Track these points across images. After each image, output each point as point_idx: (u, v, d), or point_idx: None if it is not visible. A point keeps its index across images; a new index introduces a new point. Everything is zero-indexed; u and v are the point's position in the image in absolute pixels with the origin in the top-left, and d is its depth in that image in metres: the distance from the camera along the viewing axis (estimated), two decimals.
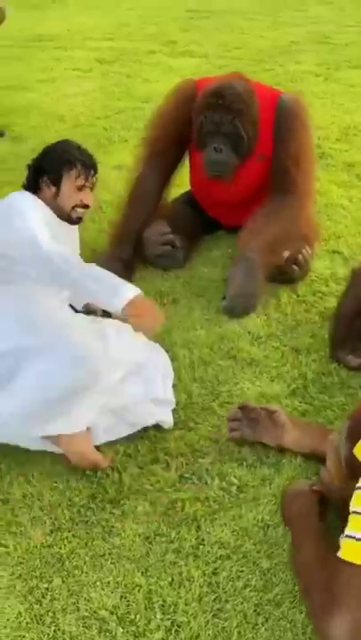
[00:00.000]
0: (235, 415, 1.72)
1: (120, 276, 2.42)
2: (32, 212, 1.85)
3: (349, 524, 1.19)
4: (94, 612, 1.36)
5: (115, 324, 1.87)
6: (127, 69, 5.20)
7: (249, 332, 2.19)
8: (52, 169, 1.93)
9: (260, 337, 2.17)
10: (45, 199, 1.93)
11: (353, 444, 1.25)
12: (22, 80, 4.94)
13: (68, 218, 1.95)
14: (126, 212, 2.53)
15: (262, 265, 2.31)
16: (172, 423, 1.80)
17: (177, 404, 1.89)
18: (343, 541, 1.19)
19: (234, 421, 1.72)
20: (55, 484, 1.65)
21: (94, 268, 1.77)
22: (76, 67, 5.32)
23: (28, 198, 1.90)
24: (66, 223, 1.97)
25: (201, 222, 2.70)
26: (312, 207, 2.62)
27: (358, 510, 1.18)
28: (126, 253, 2.48)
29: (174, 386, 1.95)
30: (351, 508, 1.20)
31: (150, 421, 1.78)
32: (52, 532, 1.54)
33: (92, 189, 1.99)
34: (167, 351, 2.10)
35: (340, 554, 1.18)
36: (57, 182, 1.93)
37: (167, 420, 1.80)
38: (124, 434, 1.76)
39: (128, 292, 1.71)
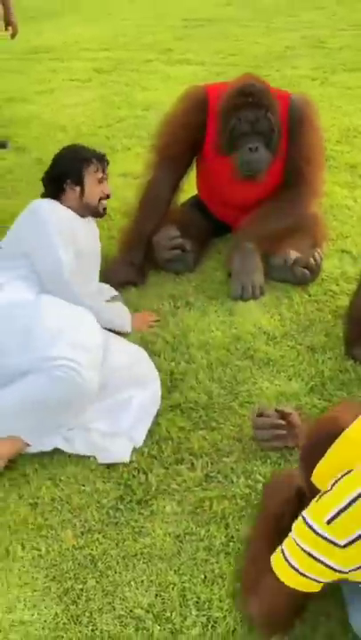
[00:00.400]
0: (263, 424, 1.72)
1: (133, 280, 2.47)
2: (54, 224, 1.94)
3: (286, 540, 1.21)
4: (130, 610, 1.38)
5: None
6: (125, 78, 5.25)
7: (264, 333, 2.21)
8: (72, 170, 2.07)
9: (275, 337, 2.19)
10: (71, 201, 2.04)
11: (308, 472, 1.24)
12: (21, 92, 4.98)
13: (95, 212, 2.12)
14: (137, 217, 2.55)
15: (258, 251, 2.41)
16: (127, 459, 1.72)
17: (197, 404, 1.92)
18: (277, 549, 1.22)
19: (263, 430, 1.72)
20: (83, 487, 1.67)
21: (100, 304, 2.05)
22: (75, 77, 5.37)
23: (49, 205, 1.98)
24: (87, 219, 2.12)
25: (209, 226, 2.73)
26: (318, 206, 2.66)
27: (294, 536, 1.18)
28: (138, 258, 2.51)
29: (193, 387, 1.98)
30: (292, 530, 1.20)
31: (88, 453, 1.74)
32: (82, 533, 1.56)
33: (107, 180, 2.19)
34: (184, 354, 2.13)
35: (272, 558, 1.23)
36: (80, 181, 2.07)
37: (117, 456, 1.72)
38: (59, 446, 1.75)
39: (127, 315, 2.14)
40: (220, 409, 1.90)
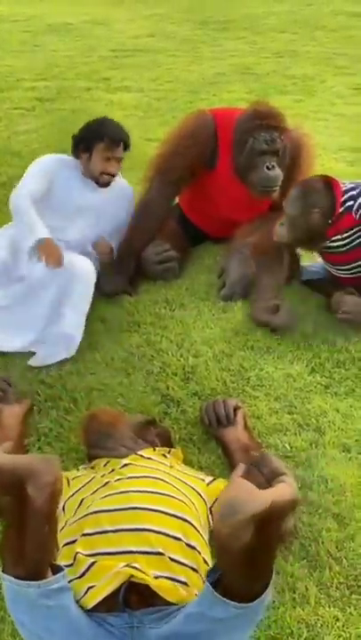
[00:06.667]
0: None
1: (126, 290, 2.61)
2: (38, 166, 2.51)
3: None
4: None
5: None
6: (70, 105, 5.40)
7: (258, 325, 2.41)
8: (86, 139, 2.53)
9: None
10: (83, 162, 2.55)
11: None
12: None
13: (96, 180, 2.54)
14: (131, 231, 2.66)
15: (252, 258, 2.61)
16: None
17: (214, 390, 2.08)
18: None
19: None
20: None
21: (27, 212, 2.36)
22: (18, 106, 5.46)
23: (49, 157, 2.58)
24: (92, 183, 2.56)
25: (188, 235, 2.92)
26: None
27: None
28: (129, 270, 2.64)
29: (206, 377, 2.14)
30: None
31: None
32: None
33: (118, 161, 2.54)
34: (190, 349, 2.29)
35: None
36: (89, 150, 2.51)
37: None
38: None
39: (40, 234, 2.31)
40: (236, 394, 2.07)
